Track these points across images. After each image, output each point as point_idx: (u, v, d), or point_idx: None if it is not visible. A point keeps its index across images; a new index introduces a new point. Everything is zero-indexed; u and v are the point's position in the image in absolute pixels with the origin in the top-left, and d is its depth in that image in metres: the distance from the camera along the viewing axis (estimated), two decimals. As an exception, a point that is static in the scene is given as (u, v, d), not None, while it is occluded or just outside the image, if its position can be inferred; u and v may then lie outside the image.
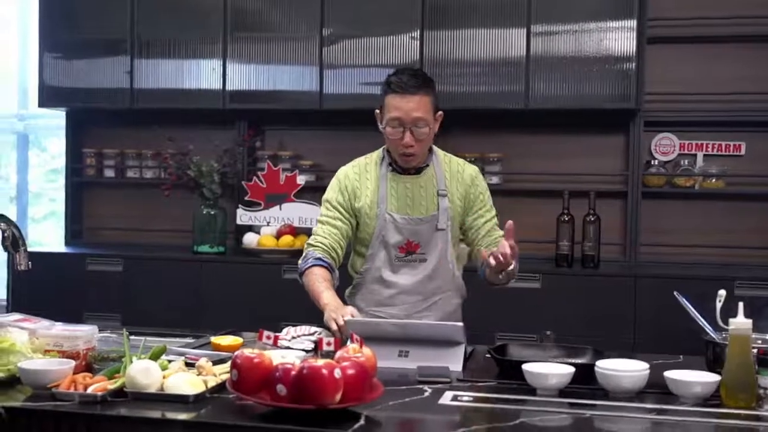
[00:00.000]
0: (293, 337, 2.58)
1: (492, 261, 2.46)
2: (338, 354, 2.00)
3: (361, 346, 2.01)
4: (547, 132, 4.55)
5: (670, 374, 2.09)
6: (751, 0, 4.29)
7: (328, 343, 2.10)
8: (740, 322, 2.06)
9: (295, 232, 4.47)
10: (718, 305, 2.24)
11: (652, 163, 4.44)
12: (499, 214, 2.88)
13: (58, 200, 5.30)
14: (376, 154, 2.86)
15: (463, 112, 4.27)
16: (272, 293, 4.24)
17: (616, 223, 4.44)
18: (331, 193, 2.83)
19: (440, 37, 4.31)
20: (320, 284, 2.63)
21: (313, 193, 4.54)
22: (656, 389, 2.12)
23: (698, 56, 4.39)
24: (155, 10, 4.63)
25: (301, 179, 4.50)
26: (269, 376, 1.87)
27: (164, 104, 4.66)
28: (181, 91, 4.62)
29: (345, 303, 2.75)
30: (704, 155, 4.42)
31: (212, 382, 2.05)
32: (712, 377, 2.08)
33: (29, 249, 2.63)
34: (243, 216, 4.53)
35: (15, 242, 2.55)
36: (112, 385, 1.99)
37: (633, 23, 4.13)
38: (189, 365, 2.18)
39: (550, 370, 2.13)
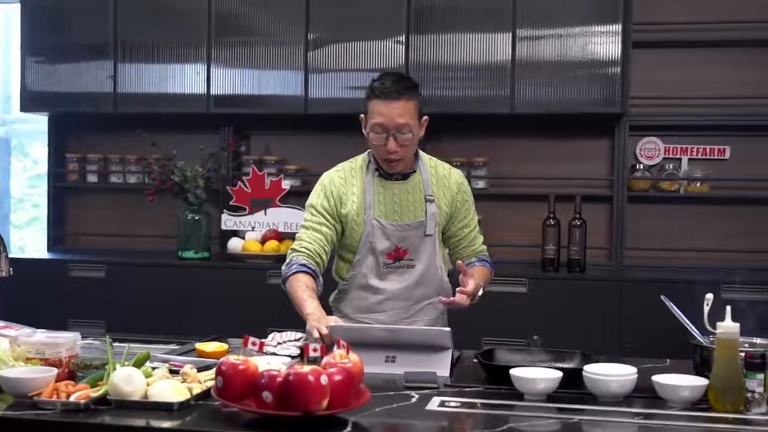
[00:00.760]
0: (279, 343, 2.57)
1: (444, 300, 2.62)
2: (325, 360, 1.98)
3: (347, 352, 1.99)
4: (533, 136, 4.55)
5: (658, 378, 2.09)
6: (735, 5, 4.31)
7: (315, 349, 2.08)
8: (728, 325, 2.05)
9: (280, 237, 4.45)
10: (706, 309, 2.24)
11: (637, 167, 4.45)
12: (485, 219, 2.89)
13: (41, 206, 5.26)
14: (360, 159, 2.84)
15: (448, 117, 4.26)
16: (257, 299, 4.21)
17: (602, 228, 4.45)
18: (316, 198, 2.79)
19: (426, 42, 4.30)
20: (304, 292, 2.59)
21: (299, 197, 4.52)
22: (644, 393, 2.11)
23: (683, 61, 4.40)
24: (138, 13, 4.59)
25: (286, 184, 4.47)
26: (255, 383, 1.85)
27: (148, 109, 4.63)
28: (165, 96, 4.59)
29: (329, 309, 2.74)
30: (689, 159, 4.44)
31: (197, 390, 2.02)
32: (700, 381, 2.07)
33: (11, 255, 2.60)
34: (228, 221, 4.50)
35: (-4, 248, 2.52)
36: (94, 393, 1.97)
37: (618, 28, 4.13)
38: (173, 372, 2.16)
39: (539, 375, 2.12)
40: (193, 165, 4.46)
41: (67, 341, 2.22)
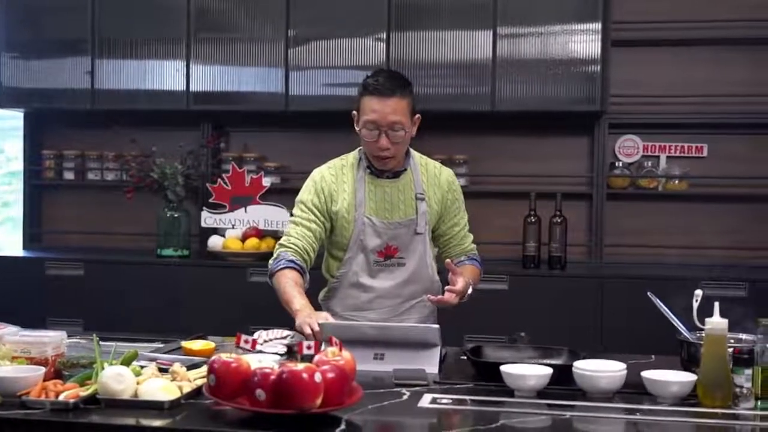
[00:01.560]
0: (265, 341, 2.55)
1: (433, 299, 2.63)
2: (317, 358, 1.97)
3: (340, 350, 1.99)
4: (514, 134, 4.57)
5: (647, 374, 2.10)
6: (712, 4, 4.35)
7: (309, 347, 2.07)
8: (716, 321, 2.07)
9: (260, 234, 4.43)
10: (695, 305, 2.26)
11: (616, 164, 4.48)
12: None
13: (16, 203, 5.19)
14: (351, 156, 2.83)
15: (429, 114, 4.23)
16: (238, 297, 4.19)
17: (582, 225, 4.48)
18: (306, 194, 2.77)
19: (406, 39, 4.30)
20: (292, 289, 2.58)
21: (279, 195, 4.50)
22: (633, 389, 2.12)
23: (661, 59, 4.44)
24: (117, 9, 4.54)
25: (266, 181, 4.45)
26: (248, 381, 1.84)
27: (126, 105, 4.58)
28: (144, 92, 4.54)
29: (317, 306, 2.73)
30: (667, 157, 4.48)
31: (187, 388, 2.01)
32: (689, 377, 2.09)
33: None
34: (208, 219, 4.47)
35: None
36: (84, 392, 1.94)
37: (598, 26, 4.16)
38: (162, 371, 2.14)
39: (529, 372, 2.13)
40: (172, 162, 4.42)
41: (53, 340, 2.20)
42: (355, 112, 2.71)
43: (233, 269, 4.29)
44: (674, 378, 2.09)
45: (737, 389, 2.01)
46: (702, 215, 4.43)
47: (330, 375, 1.84)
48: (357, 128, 2.71)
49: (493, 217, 4.42)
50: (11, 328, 2.34)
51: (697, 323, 2.24)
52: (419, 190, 2.78)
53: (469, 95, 4.27)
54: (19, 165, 5.07)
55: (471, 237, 2.92)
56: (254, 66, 4.45)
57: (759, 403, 2.00)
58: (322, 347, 2.14)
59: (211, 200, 4.48)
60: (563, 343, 2.51)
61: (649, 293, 2.42)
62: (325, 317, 2.48)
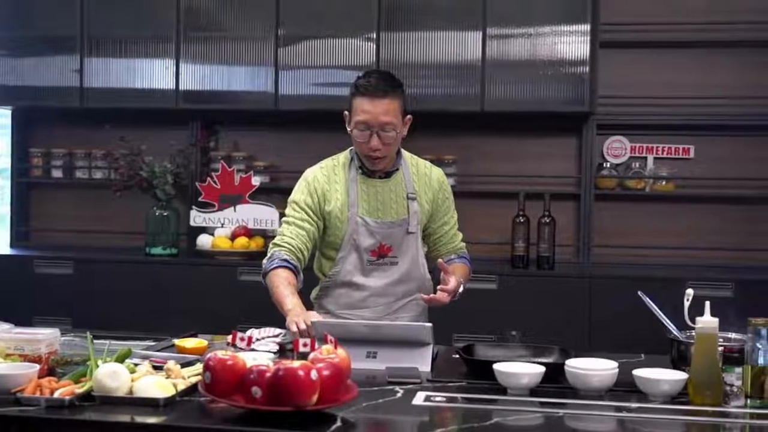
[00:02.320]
0: (257, 339, 2.56)
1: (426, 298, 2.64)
2: (312, 355, 1.98)
3: (335, 347, 2.00)
4: (502, 134, 4.59)
5: (639, 372, 2.13)
6: (700, 7, 4.39)
7: (305, 344, 2.08)
8: (707, 320, 2.10)
9: (250, 233, 4.42)
10: (686, 304, 2.29)
11: (604, 165, 4.51)
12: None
13: (3, 201, 5.16)
14: (343, 156, 2.83)
15: (418, 114, 4.25)
16: (227, 295, 4.19)
17: (570, 225, 4.50)
18: (299, 194, 2.77)
19: (396, 39, 4.31)
20: (285, 288, 2.58)
21: (268, 194, 4.50)
22: (624, 387, 2.14)
23: (649, 61, 4.47)
24: (106, 7, 4.52)
25: (255, 180, 4.45)
26: (244, 378, 1.85)
27: (115, 104, 4.57)
28: (133, 91, 4.53)
29: (311, 305, 2.74)
30: (654, 158, 4.51)
31: (182, 385, 2.01)
32: (680, 375, 2.11)
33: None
34: (197, 217, 4.46)
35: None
36: (79, 389, 1.95)
37: (586, 27, 4.18)
38: (156, 368, 2.14)
39: (522, 370, 2.15)
40: (161, 160, 4.41)
41: (47, 337, 2.20)
42: (346, 112, 2.72)
43: (222, 268, 4.29)
44: (665, 376, 2.11)
45: (727, 388, 2.03)
46: (689, 216, 4.47)
47: (326, 372, 1.85)
48: (348, 128, 2.72)
49: (482, 218, 4.43)
50: (4, 325, 2.33)
51: (688, 322, 2.26)
52: (410, 190, 2.79)
53: (458, 95, 4.29)
54: (6, 162, 5.05)
55: (461, 235, 2.94)
56: (244, 65, 4.46)
57: (749, 401, 2.03)
58: (317, 345, 2.14)
59: (200, 199, 4.47)
60: (551, 342, 2.53)
61: (639, 293, 2.44)
62: (315, 316, 2.48)
